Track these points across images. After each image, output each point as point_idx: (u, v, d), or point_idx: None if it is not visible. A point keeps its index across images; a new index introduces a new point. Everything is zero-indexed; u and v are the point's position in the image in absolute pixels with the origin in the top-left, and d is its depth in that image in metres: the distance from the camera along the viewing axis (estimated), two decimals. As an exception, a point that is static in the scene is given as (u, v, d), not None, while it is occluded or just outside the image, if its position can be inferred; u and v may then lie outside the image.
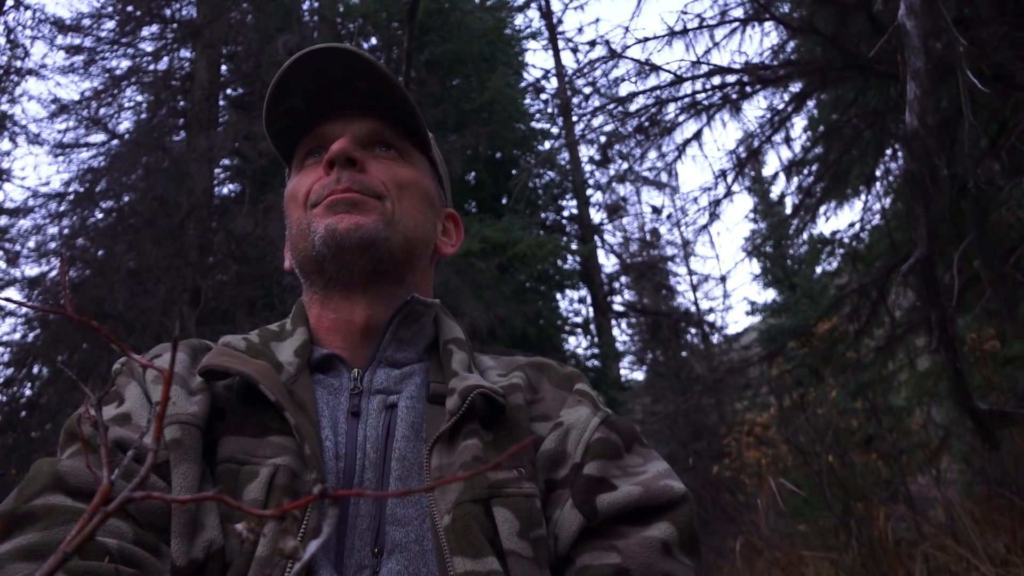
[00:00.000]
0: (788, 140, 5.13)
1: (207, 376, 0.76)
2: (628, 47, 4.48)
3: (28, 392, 6.76)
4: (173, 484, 0.67)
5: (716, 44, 4.48)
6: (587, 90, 4.90)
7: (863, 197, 5.53)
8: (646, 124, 4.73)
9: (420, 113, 0.88)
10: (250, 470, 0.70)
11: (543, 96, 9.92)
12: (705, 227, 5.41)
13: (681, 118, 4.70)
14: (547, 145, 9.11)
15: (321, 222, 0.81)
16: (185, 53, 7.87)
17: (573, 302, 10.24)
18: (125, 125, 7.81)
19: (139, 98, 7.90)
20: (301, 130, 0.88)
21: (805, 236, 6.67)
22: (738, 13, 4.51)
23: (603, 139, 5.34)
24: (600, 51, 4.72)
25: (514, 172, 8.14)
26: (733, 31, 4.49)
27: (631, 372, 12.75)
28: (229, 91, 8.33)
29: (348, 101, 0.86)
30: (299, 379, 0.78)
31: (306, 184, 0.85)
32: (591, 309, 10.11)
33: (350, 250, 0.81)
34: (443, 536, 0.68)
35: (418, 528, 0.70)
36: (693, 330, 11.77)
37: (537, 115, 9.56)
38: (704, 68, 4.41)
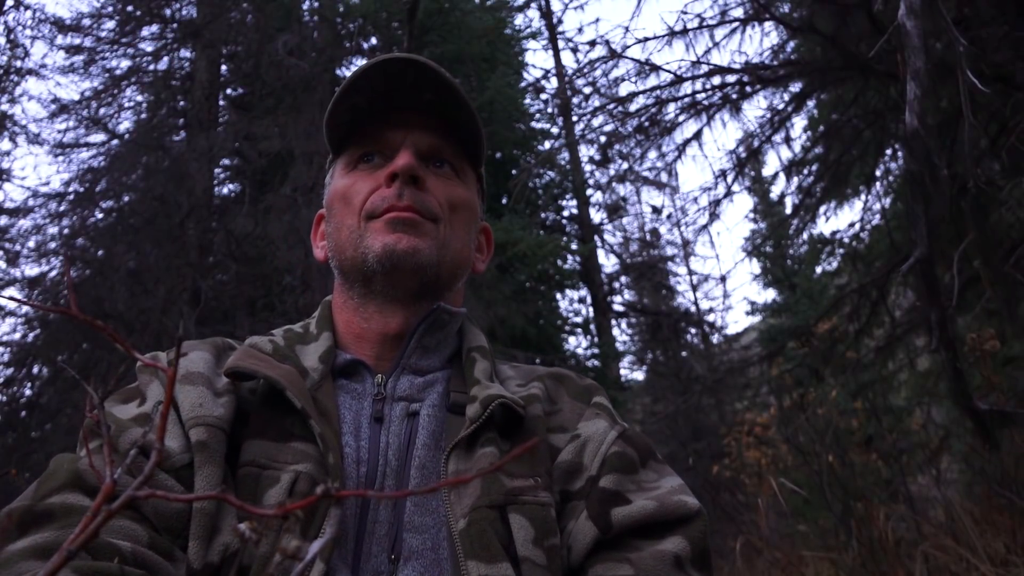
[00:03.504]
0: (788, 140, 5.14)
1: (233, 377, 0.76)
2: (628, 47, 4.48)
3: (28, 392, 6.75)
4: (196, 486, 0.67)
5: (716, 44, 4.48)
6: (587, 90, 4.90)
7: (863, 197, 5.54)
8: (646, 124, 4.73)
9: (483, 131, 0.88)
10: (271, 475, 0.70)
11: (543, 96, 9.92)
12: (705, 227, 5.41)
13: (681, 118, 4.71)
14: (547, 145, 9.11)
15: (378, 239, 0.81)
16: (185, 53, 7.87)
17: (573, 302, 10.24)
18: (125, 125, 7.81)
19: (139, 98, 7.90)
20: (357, 127, 0.87)
21: (805, 236, 6.67)
22: (738, 13, 4.51)
23: (603, 139, 5.34)
24: (600, 51, 4.71)
25: (514, 172, 8.14)
26: (733, 31, 4.49)
27: (631, 372, 12.75)
28: (229, 91, 8.33)
29: (412, 107, 0.85)
30: (323, 386, 0.78)
31: (362, 191, 0.84)
32: (591, 309, 10.10)
33: (403, 271, 0.81)
34: (458, 540, 0.68)
35: (435, 536, 0.71)
36: (693, 330, 11.77)
37: (537, 115, 9.56)
38: (704, 68, 4.41)
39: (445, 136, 0.88)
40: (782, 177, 5.44)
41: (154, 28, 7.68)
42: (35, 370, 6.73)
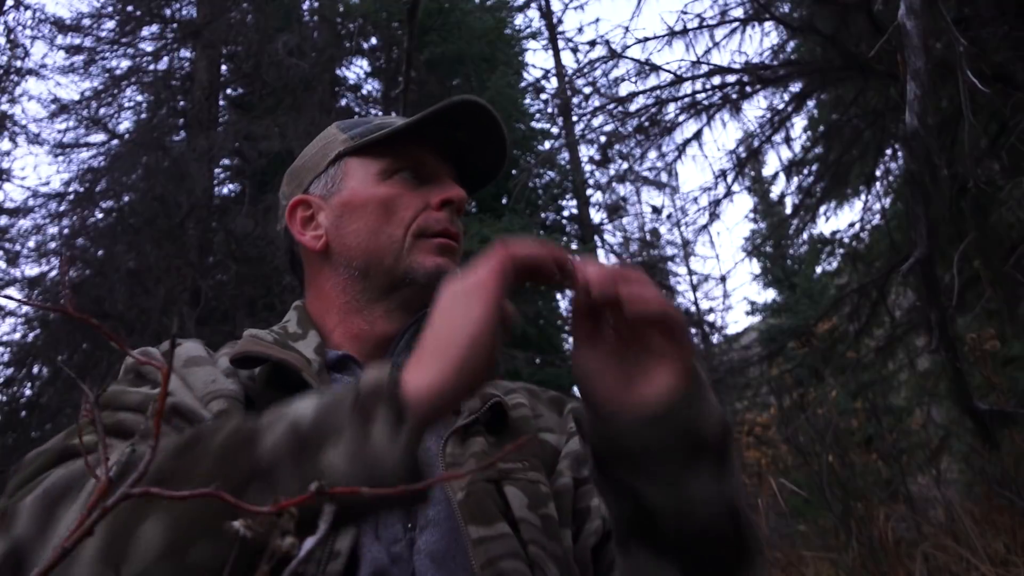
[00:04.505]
0: (788, 140, 5.14)
1: (241, 363, 0.79)
2: (628, 47, 4.49)
3: (28, 392, 6.76)
4: None
5: (716, 44, 4.48)
6: (587, 90, 4.91)
7: (863, 197, 5.54)
8: (646, 124, 4.74)
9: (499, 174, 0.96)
10: None
11: (543, 96, 9.92)
12: (705, 227, 5.41)
13: (681, 118, 4.71)
14: (547, 145, 9.11)
15: (429, 258, 0.86)
16: (185, 53, 7.87)
17: (573, 302, 10.22)
18: (125, 125, 7.82)
19: (139, 98, 7.90)
20: (397, 142, 0.90)
21: (805, 236, 6.67)
22: (738, 13, 4.51)
23: (603, 139, 5.35)
24: (600, 51, 4.72)
25: (514, 172, 8.13)
26: (733, 31, 4.49)
27: (631, 372, 12.74)
28: (229, 91, 8.33)
29: (454, 139, 0.90)
30: (320, 376, 0.81)
31: (410, 206, 0.87)
32: (591, 309, 10.08)
33: (436, 290, 0.85)
34: (458, 510, 0.73)
35: (446, 507, 0.75)
36: (693, 330, 11.76)
37: (537, 115, 9.56)
38: (704, 68, 4.41)
39: (459, 169, 0.94)
40: (782, 177, 5.45)
41: (154, 28, 7.68)
42: (35, 370, 6.73)
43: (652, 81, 4.55)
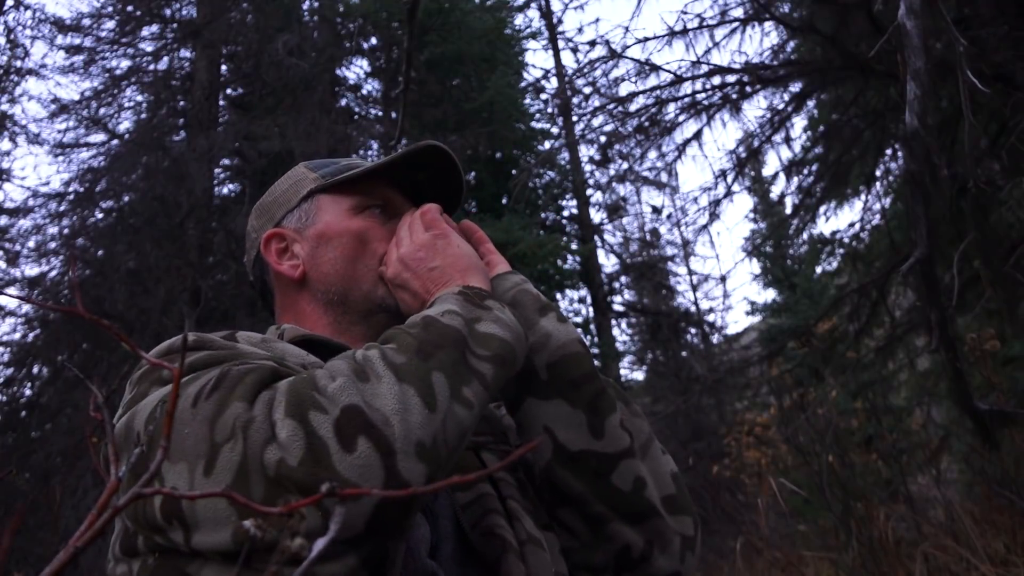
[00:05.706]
0: (788, 140, 5.14)
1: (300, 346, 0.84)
2: (628, 47, 4.49)
3: (28, 392, 6.76)
4: None
5: (716, 44, 4.48)
6: (587, 90, 4.91)
7: (863, 197, 5.54)
8: (646, 124, 4.74)
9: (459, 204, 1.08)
10: None
11: (543, 96, 9.92)
12: (705, 227, 5.42)
13: (681, 118, 4.71)
14: (547, 145, 9.11)
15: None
16: (185, 53, 7.87)
17: (573, 302, 10.25)
18: (125, 125, 7.82)
19: (139, 98, 7.90)
20: (366, 180, 0.98)
21: (805, 236, 6.67)
22: (738, 13, 4.51)
23: (603, 139, 5.35)
24: (600, 51, 4.72)
25: (514, 172, 8.13)
26: (733, 31, 4.49)
27: (631, 372, 12.72)
28: (229, 91, 8.33)
29: (415, 179, 1.01)
30: None
31: (382, 239, 0.96)
32: (591, 309, 10.10)
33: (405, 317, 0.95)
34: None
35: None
36: (693, 330, 11.75)
37: (537, 115, 9.57)
38: (704, 68, 4.42)
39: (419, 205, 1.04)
40: (782, 177, 5.45)
41: (154, 28, 7.69)
42: (35, 370, 6.73)
43: (652, 81, 4.56)
